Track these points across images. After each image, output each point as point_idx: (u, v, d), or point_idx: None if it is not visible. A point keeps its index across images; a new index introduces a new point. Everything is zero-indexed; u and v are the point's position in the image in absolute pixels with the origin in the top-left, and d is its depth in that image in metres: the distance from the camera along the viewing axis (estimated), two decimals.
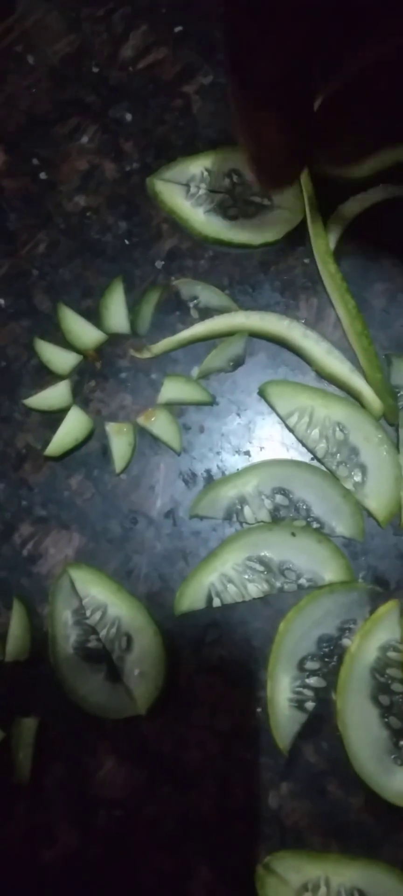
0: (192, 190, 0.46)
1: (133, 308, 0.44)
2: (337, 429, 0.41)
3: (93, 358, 0.44)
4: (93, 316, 0.44)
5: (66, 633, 0.38)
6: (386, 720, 0.36)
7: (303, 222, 0.45)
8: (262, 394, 0.42)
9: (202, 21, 0.51)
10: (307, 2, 0.27)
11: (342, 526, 0.39)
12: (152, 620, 0.38)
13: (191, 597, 0.38)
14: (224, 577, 0.38)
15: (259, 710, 0.37)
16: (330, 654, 0.37)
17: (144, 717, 0.37)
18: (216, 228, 0.45)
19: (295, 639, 0.37)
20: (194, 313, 0.44)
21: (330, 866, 0.34)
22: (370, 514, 0.39)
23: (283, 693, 0.37)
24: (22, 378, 0.44)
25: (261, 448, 0.41)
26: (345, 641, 0.37)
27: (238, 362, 0.43)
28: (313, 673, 0.37)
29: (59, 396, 0.43)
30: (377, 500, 0.39)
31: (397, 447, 0.40)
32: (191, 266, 0.45)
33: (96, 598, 0.39)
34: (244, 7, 0.29)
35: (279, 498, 0.40)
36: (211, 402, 0.42)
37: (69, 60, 0.51)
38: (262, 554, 0.39)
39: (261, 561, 0.39)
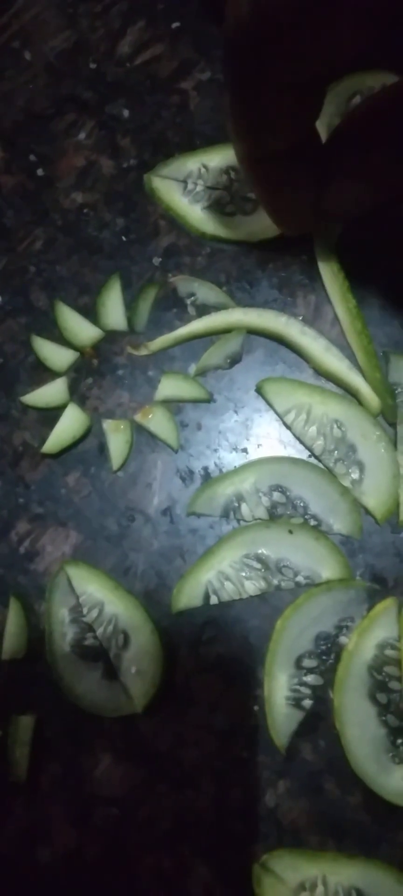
0: (190, 186, 0.46)
1: (130, 305, 0.44)
2: (335, 426, 0.40)
3: (90, 355, 0.43)
4: (91, 313, 0.44)
5: (63, 631, 0.38)
6: (384, 718, 0.36)
7: None
8: (260, 391, 0.42)
9: (199, 17, 0.50)
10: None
11: (339, 523, 0.39)
12: (149, 618, 0.38)
13: (189, 594, 0.38)
14: (221, 575, 0.38)
15: (256, 708, 0.37)
16: (328, 652, 0.37)
17: (141, 715, 0.37)
18: (213, 225, 0.45)
19: (292, 636, 0.37)
20: (191, 310, 0.44)
21: (327, 865, 0.34)
22: (367, 512, 0.39)
23: (280, 691, 0.36)
24: (19, 375, 0.43)
25: (259, 445, 0.41)
26: (343, 639, 0.37)
27: (235, 359, 0.43)
28: (310, 671, 0.37)
29: (56, 393, 0.42)
30: (374, 497, 0.39)
31: (395, 444, 0.40)
32: (189, 263, 0.45)
33: (93, 596, 0.38)
34: (250, 88, 0.30)
35: (276, 495, 0.40)
36: (209, 400, 0.42)
37: (66, 56, 0.51)
38: (259, 551, 0.39)
39: (259, 558, 0.38)
